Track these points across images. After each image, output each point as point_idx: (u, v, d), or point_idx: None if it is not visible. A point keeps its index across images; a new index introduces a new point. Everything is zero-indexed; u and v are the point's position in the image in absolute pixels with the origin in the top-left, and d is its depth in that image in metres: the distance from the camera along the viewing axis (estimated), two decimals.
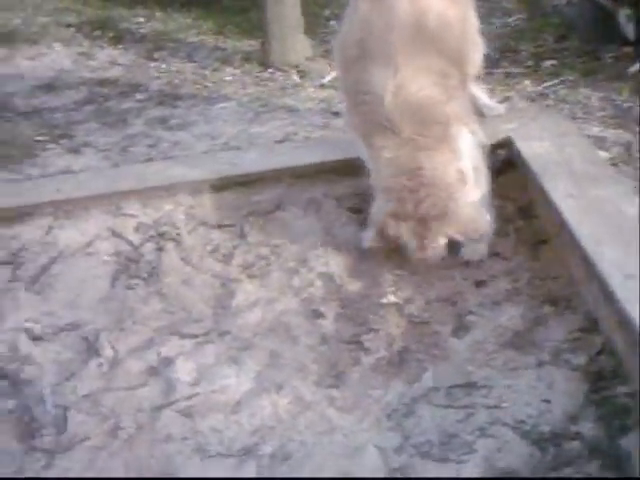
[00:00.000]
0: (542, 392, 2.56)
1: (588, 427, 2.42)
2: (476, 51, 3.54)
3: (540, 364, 2.66)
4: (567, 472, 2.31)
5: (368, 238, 3.21)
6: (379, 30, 3.17)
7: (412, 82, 3.10)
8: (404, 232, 3.06)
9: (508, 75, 4.71)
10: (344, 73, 3.41)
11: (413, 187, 3.04)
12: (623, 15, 4.85)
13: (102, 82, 5.27)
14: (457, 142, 3.15)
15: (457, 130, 3.16)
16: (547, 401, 2.52)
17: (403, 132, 3.08)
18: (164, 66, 5.49)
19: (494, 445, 2.41)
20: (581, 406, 2.49)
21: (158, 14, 6.49)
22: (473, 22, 3.52)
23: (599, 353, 2.65)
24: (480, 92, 3.80)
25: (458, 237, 3.10)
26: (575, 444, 2.38)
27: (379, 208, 3.13)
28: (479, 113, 3.56)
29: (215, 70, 5.34)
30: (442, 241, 3.09)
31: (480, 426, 2.48)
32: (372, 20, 3.20)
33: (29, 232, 3.52)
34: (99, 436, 2.63)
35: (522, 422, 2.47)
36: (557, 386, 2.57)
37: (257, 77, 5.14)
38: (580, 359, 2.65)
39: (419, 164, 3.06)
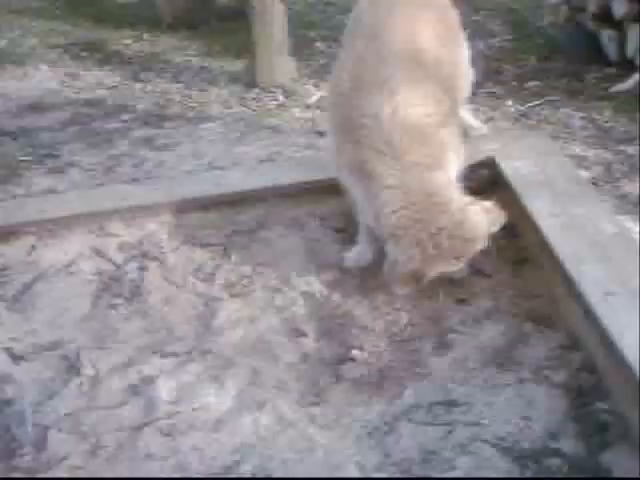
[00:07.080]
0: (522, 409, 2.55)
1: (568, 444, 2.42)
2: (467, 80, 3.54)
3: (521, 381, 2.67)
4: None
5: (351, 259, 3.22)
6: (374, 63, 3.10)
7: (408, 104, 2.99)
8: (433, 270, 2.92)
9: (492, 95, 4.76)
10: (336, 109, 3.20)
11: (429, 219, 2.81)
12: (606, 36, 4.90)
13: (88, 103, 5.29)
14: (450, 169, 3.04)
15: (450, 157, 3.05)
16: (527, 418, 2.52)
17: (405, 155, 2.89)
18: (150, 87, 5.51)
19: (474, 462, 2.41)
20: (561, 423, 2.49)
21: (146, 35, 6.53)
22: (464, 53, 3.54)
23: (579, 370, 2.66)
24: (464, 112, 3.80)
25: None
26: (555, 461, 2.38)
27: (396, 261, 2.88)
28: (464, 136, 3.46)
29: (201, 91, 5.36)
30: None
31: (460, 443, 2.47)
32: (367, 56, 3.14)
33: (12, 251, 3.52)
34: (79, 455, 2.61)
35: (502, 439, 2.46)
36: (537, 403, 2.57)
37: (243, 98, 5.16)
38: (560, 376, 2.65)
39: (430, 189, 2.85)
